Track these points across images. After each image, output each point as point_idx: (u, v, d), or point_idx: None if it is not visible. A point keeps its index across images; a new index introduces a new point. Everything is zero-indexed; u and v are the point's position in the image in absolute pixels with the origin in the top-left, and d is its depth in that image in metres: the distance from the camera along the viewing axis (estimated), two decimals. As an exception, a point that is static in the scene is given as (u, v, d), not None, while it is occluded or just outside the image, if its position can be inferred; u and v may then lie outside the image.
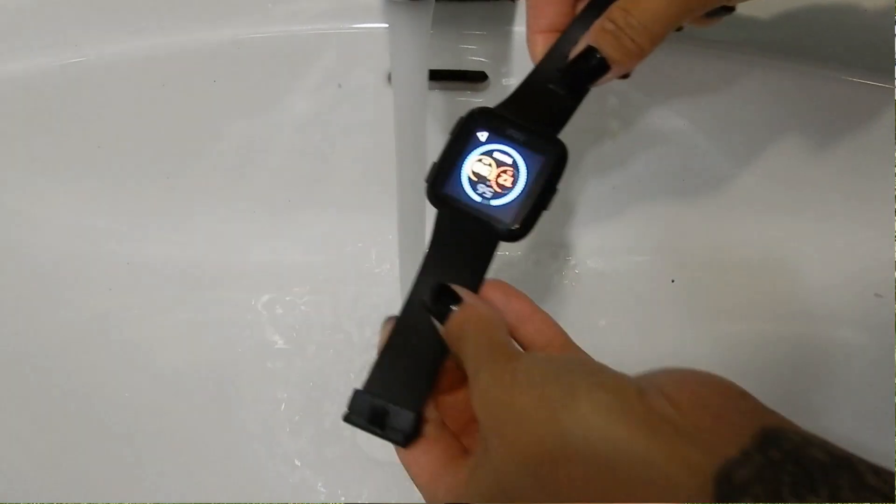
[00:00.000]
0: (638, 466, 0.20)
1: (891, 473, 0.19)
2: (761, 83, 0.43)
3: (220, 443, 0.45)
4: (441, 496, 0.26)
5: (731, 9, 0.30)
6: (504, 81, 0.44)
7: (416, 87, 0.33)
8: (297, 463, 0.45)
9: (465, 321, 0.27)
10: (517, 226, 0.28)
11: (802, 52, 0.43)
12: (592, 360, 0.25)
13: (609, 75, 0.28)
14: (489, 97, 0.44)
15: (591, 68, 0.28)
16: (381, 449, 0.45)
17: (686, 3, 0.26)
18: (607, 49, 0.27)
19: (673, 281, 0.50)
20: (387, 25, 0.42)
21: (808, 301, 0.48)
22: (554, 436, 0.22)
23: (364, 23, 0.43)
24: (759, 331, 0.48)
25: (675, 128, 0.46)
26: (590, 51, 0.28)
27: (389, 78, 0.35)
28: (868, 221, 0.46)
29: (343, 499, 0.44)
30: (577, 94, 0.29)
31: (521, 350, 0.26)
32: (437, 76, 0.37)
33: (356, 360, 0.48)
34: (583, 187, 0.49)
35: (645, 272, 0.50)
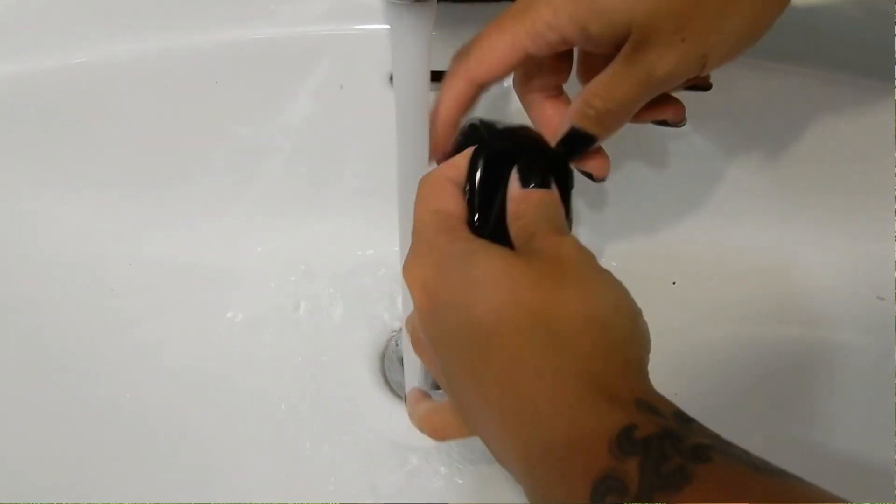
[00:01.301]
0: None
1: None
2: (761, 85, 0.43)
3: (222, 442, 0.45)
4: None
5: (705, 87, 0.33)
6: (505, 83, 0.44)
7: (418, 88, 0.33)
8: (301, 461, 0.45)
9: (546, 200, 0.29)
10: None
11: (802, 53, 0.43)
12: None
13: (595, 145, 0.31)
14: (490, 99, 0.44)
15: (579, 143, 0.31)
16: (386, 448, 0.45)
17: (655, 89, 0.29)
18: (592, 129, 0.30)
19: (674, 283, 0.50)
20: (388, 27, 0.42)
21: (810, 303, 0.48)
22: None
23: (366, 24, 0.43)
24: (760, 333, 0.48)
25: (675, 129, 0.46)
26: (575, 131, 0.31)
27: (391, 79, 0.35)
28: (869, 223, 0.46)
29: (351, 496, 0.44)
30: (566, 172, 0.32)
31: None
32: (438, 77, 0.37)
33: (358, 361, 0.48)
34: (583, 189, 0.49)
35: (646, 274, 0.50)
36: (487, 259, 0.26)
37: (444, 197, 0.30)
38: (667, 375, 0.47)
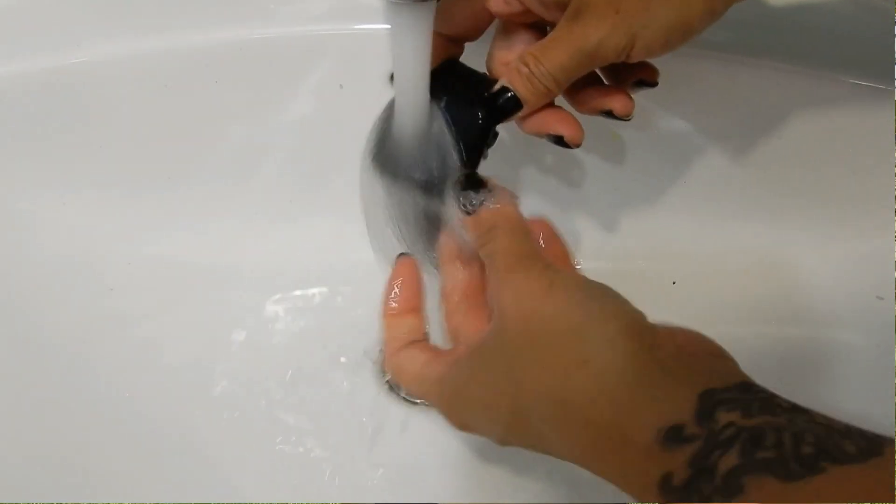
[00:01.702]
0: (643, 386, 0.24)
1: (840, 422, 0.22)
2: (761, 85, 0.43)
3: (222, 441, 0.45)
4: (433, 376, 0.31)
5: (651, 84, 0.33)
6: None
7: (417, 88, 0.33)
8: (301, 461, 0.45)
9: (497, 218, 0.30)
10: None
11: (802, 53, 0.43)
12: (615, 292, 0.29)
13: (519, 113, 0.32)
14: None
15: (505, 105, 0.32)
16: (386, 455, 0.45)
17: (587, 59, 0.30)
18: (521, 89, 0.31)
19: (674, 283, 0.50)
20: (388, 26, 0.42)
21: (810, 303, 0.48)
22: (576, 346, 0.26)
23: (366, 24, 0.43)
24: (760, 333, 0.48)
25: (675, 129, 0.46)
26: (504, 90, 0.31)
27: (391, 79, 0.35)
28: (869, 223, 0.46)
29: (351, 496, 0.44)
30: (487, 126, 0.33)
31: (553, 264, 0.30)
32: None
33: (358, 361, 0.48)
34: (583, 188, 0.49)
35: (646, 274, 0.50)
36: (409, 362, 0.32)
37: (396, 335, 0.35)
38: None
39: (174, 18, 0.43)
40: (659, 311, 0.49)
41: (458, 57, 0.36)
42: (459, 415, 0.30)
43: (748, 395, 0.24)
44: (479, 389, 0.29)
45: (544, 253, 0.32)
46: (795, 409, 0.23)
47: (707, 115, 0.45)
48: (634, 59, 0.30)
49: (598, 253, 0.50)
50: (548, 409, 0.26)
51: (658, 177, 0.48)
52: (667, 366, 0.25)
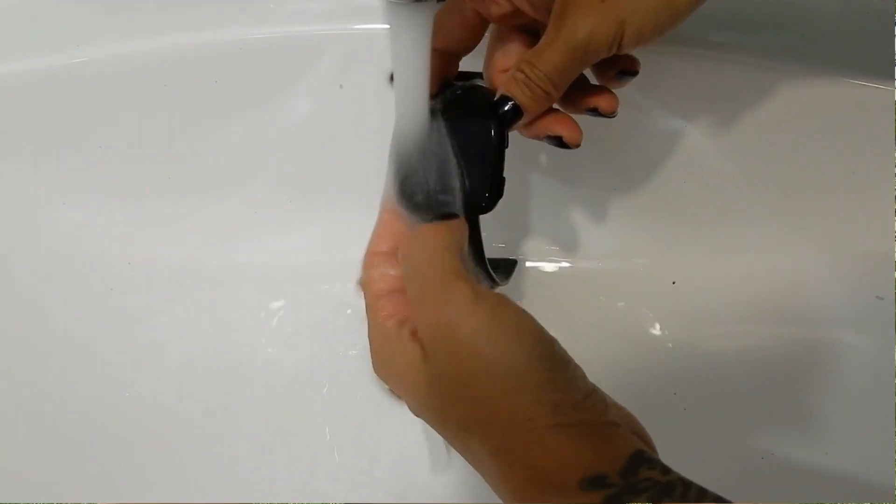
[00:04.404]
0: (581, 440, 0.25)
1: None
2: (761, 85, 0.43)
3: (221, 442, 0.45)
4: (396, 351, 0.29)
5: (632, 73, 0.34)
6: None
7: (417, 88, 0.33)
8: (300, 462, 0.45)
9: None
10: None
11: (802, 54, 0.43)
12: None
13: (522, 121, 0.32)
14: (490, 98, 0.44)
15: (506, 114, 0.32)
16: (387, 454, 0.45)
17: (580, 56, 0.30)
18: (519, 96, 0.31)
19: (674, 283, 0.50)
20: (388, 27, 0.42)
21: (810, 303, 0.48)
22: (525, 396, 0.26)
23: (365, 24, 0.43)
24: (760, 333, 0.48)
25: (675, 130, 0.46)
26: (503, 99, 0.31)
27: (391, 79, 0.35)
28: (869, 223, 0.46)
29: (349, 496, 0.44)
30: (501, 140, 0.32)
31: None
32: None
33: (357, 360, 0.48)
34: (583, 189, 0.49)
35: (646, 274, 0.50)
36: (401, 355, 0.29)
37: (376, 276, 0.32)
38: (666, 375, 0.47)
39: (174, 18, 0.44)
40: (659, 311, 0.50)
41: (454, 75, 0.36)
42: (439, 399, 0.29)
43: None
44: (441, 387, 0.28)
45: None
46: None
47: (706, 115, 0.45)
48: (626, 49, 0.30)
49: (597, 253, 0.50)
50: (489, 438, 0.26)
51: (658, 177, 0.48)
52: (609, 422, 0.26)
